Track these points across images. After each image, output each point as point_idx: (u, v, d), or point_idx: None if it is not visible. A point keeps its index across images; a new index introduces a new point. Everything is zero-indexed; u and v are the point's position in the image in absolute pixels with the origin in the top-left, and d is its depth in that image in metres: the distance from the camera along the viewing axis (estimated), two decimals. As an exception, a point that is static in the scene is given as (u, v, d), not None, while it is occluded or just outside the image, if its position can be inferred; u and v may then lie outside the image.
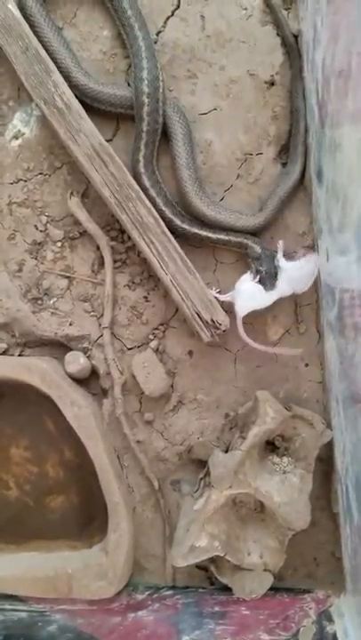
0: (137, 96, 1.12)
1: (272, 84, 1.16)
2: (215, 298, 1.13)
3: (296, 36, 1.13)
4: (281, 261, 1.12)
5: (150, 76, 1.12)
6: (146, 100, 1.12)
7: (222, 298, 1.14)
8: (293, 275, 1.11)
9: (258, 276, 1.10)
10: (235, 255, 1.19)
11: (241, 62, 1.16)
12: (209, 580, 1.20)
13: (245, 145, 1.17)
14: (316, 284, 1.15)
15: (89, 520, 1.18)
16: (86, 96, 1.14)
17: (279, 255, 1.12)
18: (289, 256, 1.13)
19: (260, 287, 1.10)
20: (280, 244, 1.13)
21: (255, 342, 1.12)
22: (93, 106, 1.15)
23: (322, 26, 0.91)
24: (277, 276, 1.11)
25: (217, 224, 1.15)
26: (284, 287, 1.11)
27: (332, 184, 0.97)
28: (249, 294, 1.11)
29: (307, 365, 1.19)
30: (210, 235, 1.16)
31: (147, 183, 1.14)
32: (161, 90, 1.13)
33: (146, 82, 1.11)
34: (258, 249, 1.12)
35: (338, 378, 1.02)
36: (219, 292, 1.15)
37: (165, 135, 1.16)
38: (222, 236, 1.16)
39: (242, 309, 1.11)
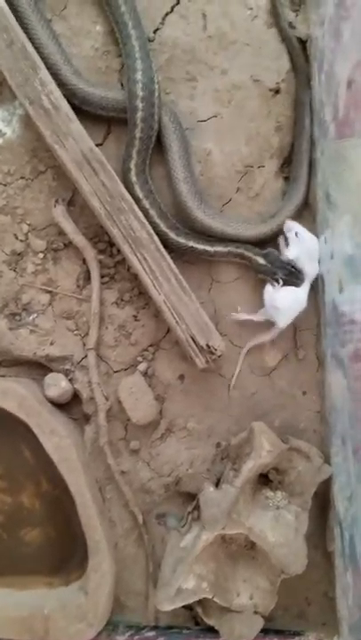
0: (130, 99, 1.04)
1: (277, 91, 1.09)
2: (244, 320, 1.09)
3: (305, 41, 1.05)
4: (289, 251, 1.06)
5: (145, 78, 1.03)
6: (140, 105, 1.03)
7: (256, 318, 1.09)
8: (305, 255, 1.06)
9: (281, 283, 1.04)
10: (233, 273, 1.12)
11: (244, 67, 1.09)
12: (194, 619, 1.12)
13: (247, 156, 1.10)
14: (318, 308, 1.08)
15: (66, 555, 1.10)
16: (75, 97, 1.05)
17: (282, 247, 1.08)
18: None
19: (292, 289, 1.05)
20: (281, 241, 1.09)
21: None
22: (82, 108, 1.06)
23: (352, 36, 0.83)
24: (296, 267, 1.06)
25: (224, 235, 1.08)
26: (309, 270, 1.06)
27: (354, 208, 0.89)
28: (289, 304, 1.05)
29: (304, 394, 1.12)
30: (207, 248, 1.08)
31: (139, 193, 1.06)
32: (156, 93, 1.05)
33: (140, 84, 1.03)
34: (261, 260, 1.05)
35: (348, 421, 0.94)
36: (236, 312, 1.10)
37: (160, 142, 1.08)
38: (221, 249, 1.08)
39: (285, 322, 1.06)
